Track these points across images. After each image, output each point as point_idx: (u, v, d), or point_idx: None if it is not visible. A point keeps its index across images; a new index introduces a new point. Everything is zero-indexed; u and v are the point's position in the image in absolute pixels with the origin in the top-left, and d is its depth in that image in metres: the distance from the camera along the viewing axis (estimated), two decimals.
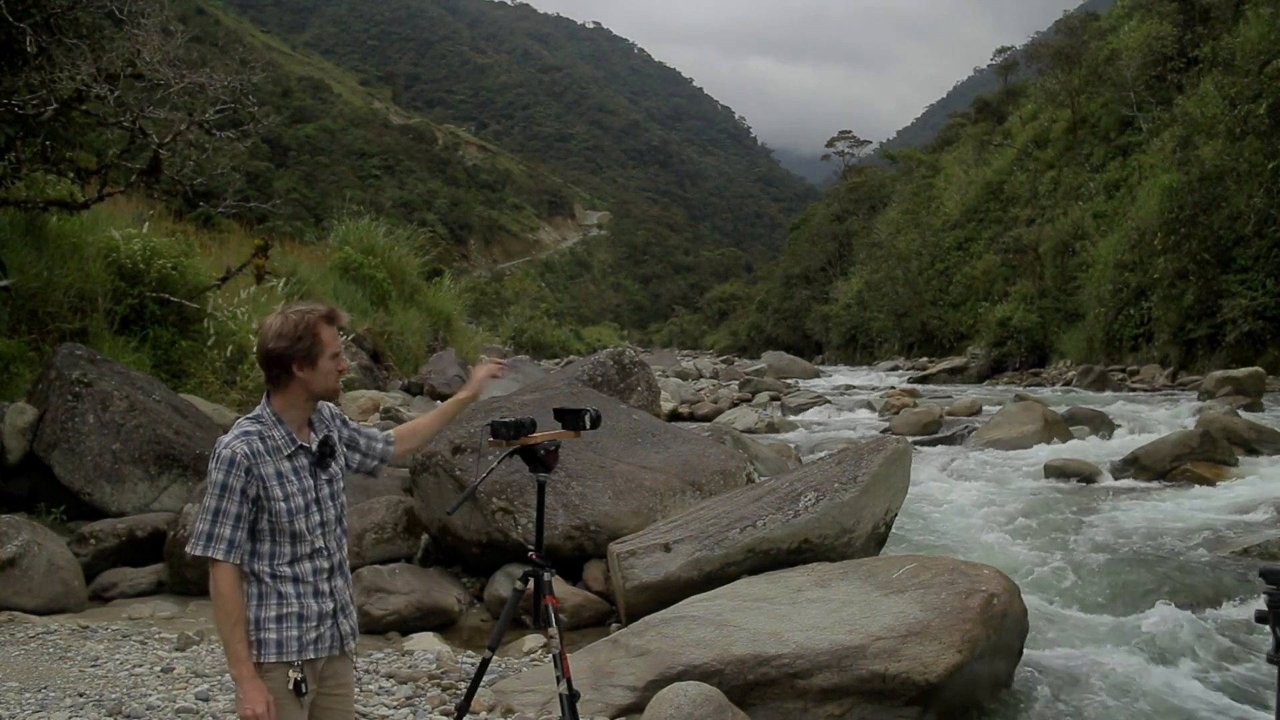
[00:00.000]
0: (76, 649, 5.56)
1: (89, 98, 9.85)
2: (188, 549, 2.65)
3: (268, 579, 2.67)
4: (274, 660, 2.65)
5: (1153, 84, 35.91)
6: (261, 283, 13.73)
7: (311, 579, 2.72)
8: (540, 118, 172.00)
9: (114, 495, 7.94)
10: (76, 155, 10.95)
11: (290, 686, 2.64)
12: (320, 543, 2.74)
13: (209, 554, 2.61)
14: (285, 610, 2.67)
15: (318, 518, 2.74)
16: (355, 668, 5.22)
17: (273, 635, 2.66)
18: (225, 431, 2.71)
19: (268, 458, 2.66)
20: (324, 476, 2.78)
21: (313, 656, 2.71)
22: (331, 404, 2.95)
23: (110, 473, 7.94)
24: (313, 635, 2.71)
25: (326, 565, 2.75)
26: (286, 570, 2.69)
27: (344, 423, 2.95)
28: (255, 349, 2.78)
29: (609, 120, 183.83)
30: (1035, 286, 36.09)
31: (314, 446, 2.76)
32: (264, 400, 2.75)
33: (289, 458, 2.70)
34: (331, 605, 2.75)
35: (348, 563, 2.87)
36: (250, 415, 2.73)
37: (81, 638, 5.83)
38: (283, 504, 2.66)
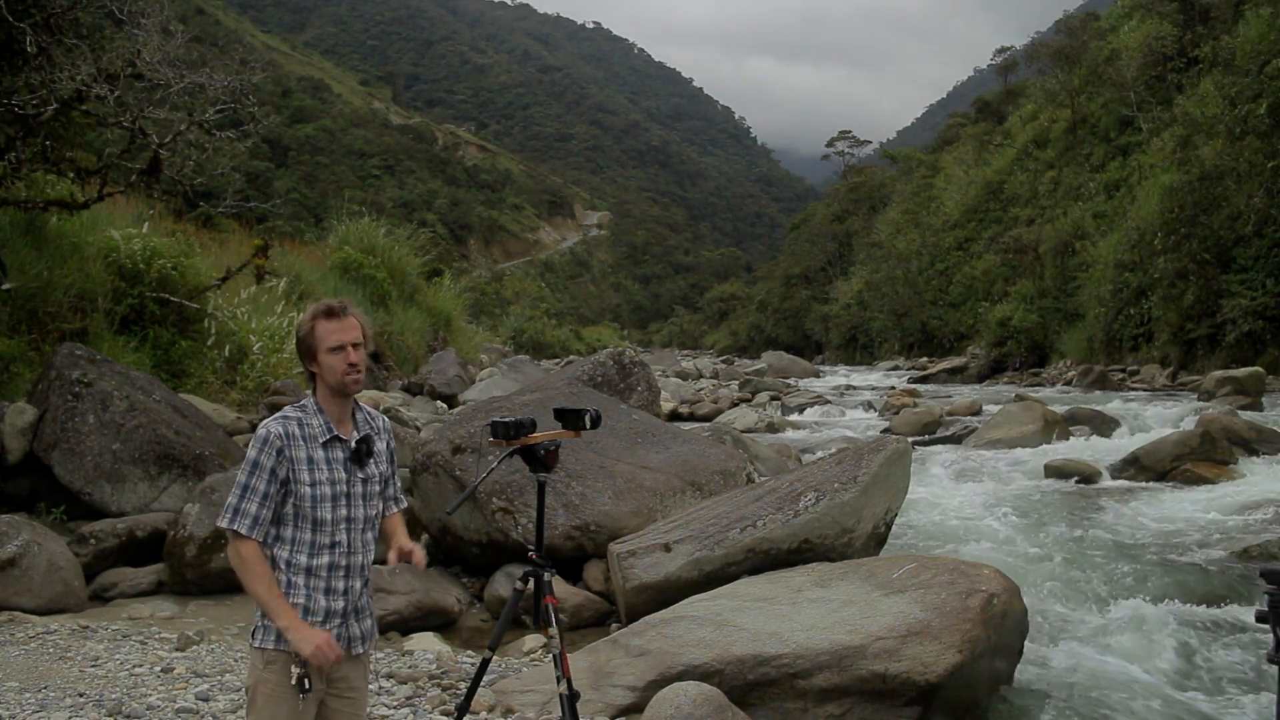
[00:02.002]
0: (76, 649, 5.56)
1: (89, 98, 9.85)
2: (217, 522, 2.70)
3: (283, 565, 2.70)
4: (273, 648, 2.66)
5: (1153, 84, 35.89)
6: (261, 283, 13.74)
7: (326, 574, 2.73)
8: (540, 118, 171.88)
9: (114, 495, 7.94)
10: (76, 155, 10.95)
11: (293, 681, 2.65)
12: (341, 537, 2.75)
13: (234, 528, 2.64)
14: (293, 601, 2.69)
15: (344, 512, 2.76)
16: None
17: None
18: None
19: (302, 442, 2.71)
20: (359, 474, 2.80)
21: None
22: (384, 419, 2.98)
23: (110, 473, 7.94)
24: None
25: (344, 563, 2.76)
26: (303, 561, 2.70)
27: (392, 454, 2.98)
28: None
29: (609, 120, 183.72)
30: (1035, 286, 36.06)
31: (352, 442, 2.80)
32: (311, 390, 2.85)
33: (324, 446, 2.74)
34: (342, 605, 2.76)
35: (370, 570, 2.87)
36: (298, 403, 2.82)
37: (81, 638, 5.83)
38: (308, 489, 2.69)
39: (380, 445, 2.89)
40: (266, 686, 2.66)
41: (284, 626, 2.62)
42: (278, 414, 2.77)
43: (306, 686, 2.66)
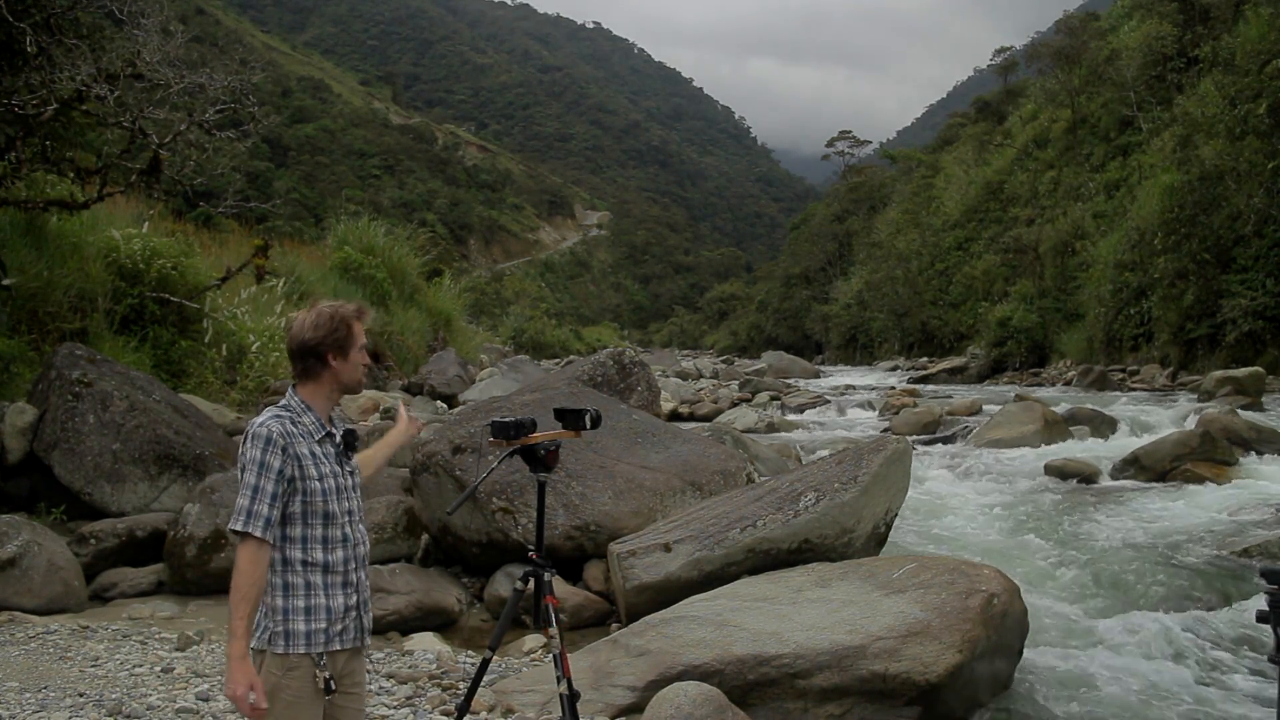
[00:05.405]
0: (76, 649, 5.57)
1: (89, 98, 9.85)
2: (229, 526, 2.65)
3: (299, 566, 2.68)
4: (303, 652, 2.65)
5: (1153, 84, 35.87)
6: (261, 283, 13.75)
7: (342, 568, 2.75)
8: (540, 118, 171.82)
9: (114, 495, 7.94)
10: (76, 155, 10.95)
11: (320, 685, 2.65)
12: (348, 531, 2.78)
13: (248, 530, 2.59)
14: (314, 601, 2.69)
15: (347, 504, 2.79)
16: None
17: (302, 627, 2.66)
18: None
19: (302, 439, 2.71)
20: (348, 466, 2.84)
21: (339, 648, 2.73)
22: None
23: (110, 473, 7.94)
24: (339, 628, 2.73)
25: (354, 555, 2.79)
26: (319, 557, 2.70)
27: None
28: (286, 342, 2.88)
29: (609, 120, 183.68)
30: (1035, 286, 36.04)
31: (338, 435, 2.82)
32: (290, 392, 2.82)
33: (318, 442, 2.75)
34: (356, 598, 2.78)
35: (368, 559, 2.90)
36: (279, 404, 2.79)
37: (81, 638, 5.83)
38: (318, 483, 2.70)
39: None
40: (288, 693, 2.63)
41: (229, 652, 2.56)
42: (269, 414, 2.73)
43: (332, 688, 2.67)
